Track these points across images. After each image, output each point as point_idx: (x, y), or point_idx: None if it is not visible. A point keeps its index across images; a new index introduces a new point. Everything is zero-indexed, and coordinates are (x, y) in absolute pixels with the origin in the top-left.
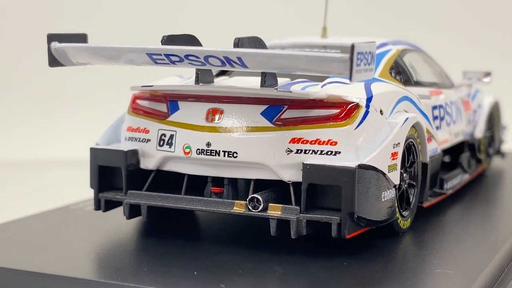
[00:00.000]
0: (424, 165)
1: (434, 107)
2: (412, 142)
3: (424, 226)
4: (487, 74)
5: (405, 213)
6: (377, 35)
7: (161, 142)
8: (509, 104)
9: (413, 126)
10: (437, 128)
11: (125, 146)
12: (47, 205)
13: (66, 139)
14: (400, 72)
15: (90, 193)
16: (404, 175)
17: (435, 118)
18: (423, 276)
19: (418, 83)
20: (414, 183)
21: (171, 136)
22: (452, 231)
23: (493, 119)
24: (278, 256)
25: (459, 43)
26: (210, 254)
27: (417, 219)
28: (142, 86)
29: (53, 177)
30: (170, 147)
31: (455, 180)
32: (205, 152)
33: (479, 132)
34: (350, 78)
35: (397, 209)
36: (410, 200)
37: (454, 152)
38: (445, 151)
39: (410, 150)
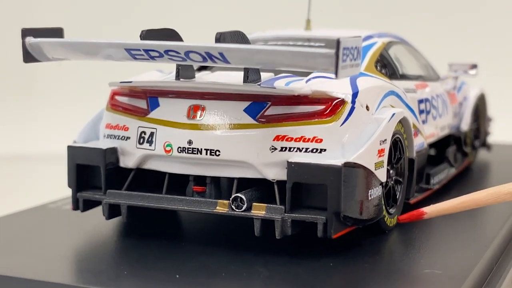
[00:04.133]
0: (411, 161)
1: (420, 101)
2: (398, 138)
3: (410, 224)
4: (473, 66)
5: (391, 211)
6: (361, 24)
7: (141, 139)
8: (494, 96)
9: (399, 122)
10: (423, 122)
11: (104, 144)
12: (24, 203)
13: (44, 134)
14: (385, 66)
15: (68, 191)
16: (391, 171)
17: (421, 112)
18: (411, 277)
19: (403, 77)
20: (400, 179)
21: (151, 134)
22: (440, 229)
23: (479, 111)
24: (262, 258)
25: (444, 35)
26: (192, 256)
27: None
28: (120, 82)
29: (30, 173)
30: (150, 145)
31: (442, 175)
32: (186, 150)
33: (465, 125)
34: (336, 75)
35: (383, 207)
36: (397, 197)
37: (440, 145)
38: (431, 145)
39: (396, 146)
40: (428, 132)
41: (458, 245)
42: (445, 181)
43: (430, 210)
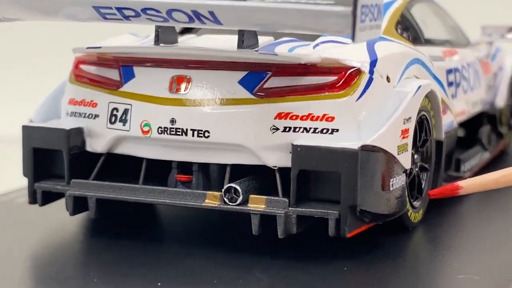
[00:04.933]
0: (439, 144)
1: (449, 71)
2: (425, 115)
3: (438, 218)
4: (511, 29)
5: (416, 204)
6: None
7: (113, 118)
8: None
9: (426, 96)
10: (453, 97)
11: (67, 123)
12: None
13: None
14: (407, 28)
15: (24, 181)
16: (415, 156)
17: (450, 84)
18: (442, 284)
19: (429, 42)
20: (426, 165)
21: (125, 111)
22: (473, 224)
23: None
24: (262, 261)
25: None
26: (177, 259)
27: (430, 210)
28: (87, 48)
29: None
30: (124, 125)
31: (474, 160)
32: (168, 131)
33: (501, 100)
34: (353, 38)
35: (407, 199)
36: (422, 186)
37: (471, 125)
38: (461, 124)
39: (422, 126)
40: (458, 109)
41: (495, 244)
42: (477, 168)
43: (466, 184)
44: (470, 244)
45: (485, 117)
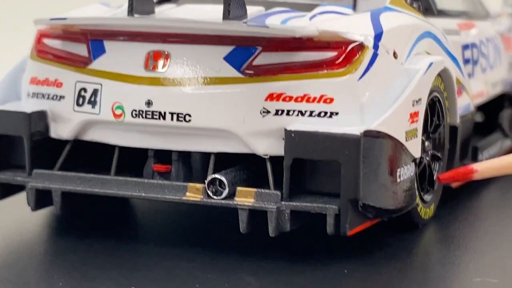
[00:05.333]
0: (453, 129)
1: (465, 47)
2: (437, 97)
3: (452, 215)
4: None
5: (427, 197)
6: None
7: (80, 100)
8: None
9: (438, 75)
10: (470, 76)
11: (28, 105)
12: None
13: None
14: None
15: None
16: (426, 143)
17: (466, 62)
18: (456, 287)
19: (442, 13)
20: (439, 154)
21: (95, 92)
22: (491, 222)
23: None
24: (250, 263)
25: None
26: (153, 260)
27: (443, 205)
28: (51, 19)
29: None
30: (93, 108)
31: (493, 149)
32: (144, 115)
33: None
34: (354, 7)
35: (417, 192)
36: (434, 178)
37: (491, 108)
38: (479, 107)
39: (434, 109)
40: (476, 90)
41: None
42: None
43: (482, 167)
44: (487, 244)
45: (506, 99)
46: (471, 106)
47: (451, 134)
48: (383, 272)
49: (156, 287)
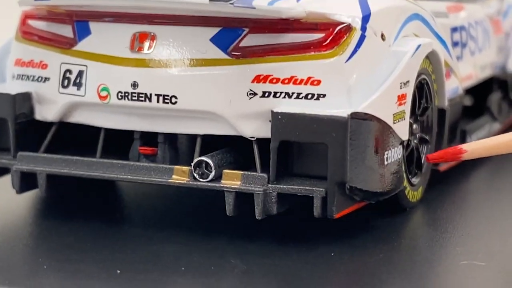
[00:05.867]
0: (441, 112)
1: (454, 29)
2: (425, 79)
3: (440, 197)
4: None
5: (415, 180)
6: None
7: (66, 81)
8: None
9: (426, 57)
10: (458, 58)
11: (13, 87)
12: None
13: None
14: None
15: None
16: (414, 126)
17: (455, 44)
18: (443, 270)
19: None
20: (427, 137)
21: (80, 73)
22: (479, 204)
23: None
24: (237, 246)
25: None
26: (139, 243)
27: (431, 188)
28: (35, 0)
29: None
30: (78, 89)
31: (482, 132)
32: (129, 96)
33: None
34: None
35: (404, 175)
36: (422, 161)
37: (480, 91)
38: (468, 91)
39: (422, 91)
40: (465, 73)
41: (505, 228)
42: None
43: (471, 147)
44: (475, 227)
45: (495, 83)
46: (459, 89)
47: (439, 117)
48: (370, 254)
49: (141, 270)
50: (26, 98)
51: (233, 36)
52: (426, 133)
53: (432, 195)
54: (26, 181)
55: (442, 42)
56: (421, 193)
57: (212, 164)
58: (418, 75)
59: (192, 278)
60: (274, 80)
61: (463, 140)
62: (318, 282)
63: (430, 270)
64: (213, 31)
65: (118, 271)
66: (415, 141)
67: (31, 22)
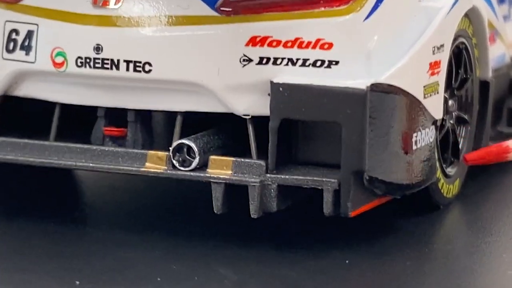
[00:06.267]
0: (484, 85)
1: None
2: (464, 44)
3: (483, 192)
4: None
5: (451, 171)
6: None
7: (11, 44)
8: None
9: (466, 15)
10: (506, 18)
11: None
12: None
13: None
14: None
15: None
16: (450, 102)
17: (501, 1)
18: (486, 283)
19: None
20: (466, 116)
21: (29, 34)
22: None
23: None
24: (226, 251)
25: None
26: (104, 248)
27: (471, 181)
28: None
29: None
30: (27, 54)
31: None
32: (92, 63)
33: None
34: None
35: (437, 164)
36: (460, 146)
37: None
38: None
39: (460, 59)
40: None
41: None
42: None
43: None
44: None
45: None
46: (507, 57)
47: (481, 92)
48: (395, 263)
49: (106, 281)
50: None
51: None
52: (465, 111)
53: (472, 190)
54: None
55: None
56: (458, 186)
57: (195, 149)
58: (455, 38)
59: None
60: (274, 43)
61: (510, 123)
62: None
63: (470, 282)
64: None
65: (77, 283)
66: (451, 121)
67: None
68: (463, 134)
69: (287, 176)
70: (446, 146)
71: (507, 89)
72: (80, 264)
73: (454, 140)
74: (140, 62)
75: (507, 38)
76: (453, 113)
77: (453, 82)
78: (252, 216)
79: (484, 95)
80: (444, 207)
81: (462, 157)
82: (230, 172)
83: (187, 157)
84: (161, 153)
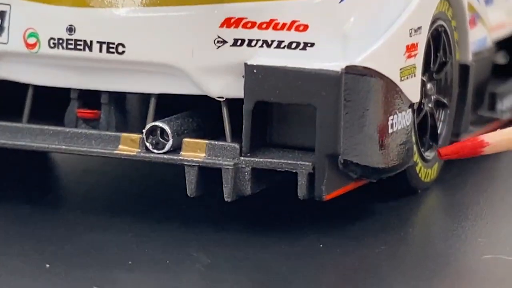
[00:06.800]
0: (464, 69)
1: None
2: (443, 26)
3: (461, 178)
4: None
5: (429, 155)
6: None
7: None
8: None
9: None
10: (487, 2)
11: None
12: None
13: None
14: None
15: None
16: (429, 86)
17: None
18: (462, 267)
19: None
20: (445, 100)
21: (1, 15)
22: (508, 187)
23: None
24: (199, 235)
25: None
26: (76, 231)
27: (450, 166)
28: None
29: None
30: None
31: None
32: (65, 44)
33: None
34: None
35: (415, 148)
36: (438, 131)
37: None
38: (500, 43)
39: (439, 42)
40: (495, 21)
41: None
42: None
43: (494, 139)
44: (503, 214)
45: None
46: (488, 41)
47: (461, 75)
48: (369, 247)
49: (76, 264)
50: None
51: None
52: (444, 95)
53: (451, 174)
54: None
55: None
56: (436, 171)
57: (169, 131)
58: (434, 21)
59: (142, 275)
60: (249, 25)
61: (492, 106)
62: (302, 281)
63: (445, 266)
64: None
65: (48, 265)
66: (430, 104)
67: None
68: (442, 118)
69: (261, 159)
70: (425, 130)
71: (489, 74)
72: (52, 247)
73: (433, 124)
74: (113, 43)
75: (489, 22)
76: (432, 97)
77: (431, 65)
78: (225, 199)
79: (464, 79)
80: (422, 191)
81: (437, 151)
82: (203, 155)
83: (161, 139)
84: (135, 136)
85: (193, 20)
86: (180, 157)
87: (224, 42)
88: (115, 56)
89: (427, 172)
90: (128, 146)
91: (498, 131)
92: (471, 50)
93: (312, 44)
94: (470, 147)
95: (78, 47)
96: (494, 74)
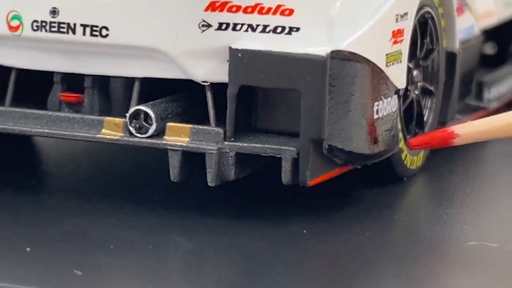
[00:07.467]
0: (451, 56)
1: None
2: (429, 13)
3: (447, 165)
4: None
5: None
6: None
7: None
8: None
9: None
10: None
11: None
12: None
13: None
14: None
15: None
16: (415, 72)
17: None
18: (446, 253)
19: None
20: (432, 88)
21: None
22: (495, 175)
23: None
24: (182, 219)
25: None
26: (59, 215)
27: (436, 153)
28: None
29: None
30: None
31: (504, 85)
32: (48, 27)
33: None
34: None
35: (400, 134)
36: (424, 118)
37: (503, 35)
38: (487, 33)
39: (426, 28)
40: (483, 9)
41: None
42: (510, 96)
43: (464, 131)
44: (488, 202)
45: None
46: (476, 29)
47: (448, 63)
48: (354, 233)
49: (58, 248)
50: None
51: None
52: (430, 82)
53: (436, 162)
54: None
55: None
56: (422, 158)
57: (152, 115)
58: (420, 7)
59: (124, 259)
60: (234, 8)
61: (479, 96)
62: (285, 266)
63: (429, 253)
64: None
65: (28, 249)
66: (416, 91)
67: None
68: (428, 105)
69: (245, 144)
70: (410, 117)
71: (477, 62)
72: (34, 232)
73: (419, 111)
74: (97, 27)
75: (477, 10)
76: (418, 84)
77: (418, 52)
78: (209, 184)
79: (451, 67)
80: (408, 178)
81: (407, 141)
82: (187, 139)
83: (144, 123)
84: (118, 120)
85: (178, 4)
86: (164, 142)
87: (209, 26)
88: (99, 39)
89: (412, 160)
90: (112, 130)
91: (469, 122)
92: (458, 38)
93: (298, 29)
94: (440, 138)
95: (62, 30)
96: (483, 64)
